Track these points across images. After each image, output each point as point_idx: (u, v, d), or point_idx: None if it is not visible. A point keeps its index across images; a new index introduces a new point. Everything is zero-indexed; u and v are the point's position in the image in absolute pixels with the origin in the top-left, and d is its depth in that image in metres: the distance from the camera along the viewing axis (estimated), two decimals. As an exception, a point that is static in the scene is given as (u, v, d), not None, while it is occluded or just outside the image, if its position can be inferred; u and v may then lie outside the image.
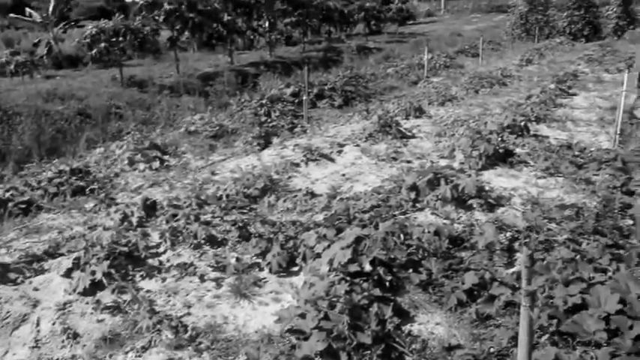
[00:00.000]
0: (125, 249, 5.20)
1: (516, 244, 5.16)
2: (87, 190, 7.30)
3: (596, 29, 32.64)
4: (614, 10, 32.95)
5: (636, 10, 35.48)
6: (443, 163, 7.89)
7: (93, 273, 4.71)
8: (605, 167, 7.32)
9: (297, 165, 8.07)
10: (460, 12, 70.97)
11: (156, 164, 8.34)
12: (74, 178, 7.56)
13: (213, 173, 7.89)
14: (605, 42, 28.10)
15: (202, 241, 5.49)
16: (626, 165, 7.28)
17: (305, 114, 11.06)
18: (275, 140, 9.57)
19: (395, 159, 8.23)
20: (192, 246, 5.45)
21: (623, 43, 27.25)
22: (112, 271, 4.83)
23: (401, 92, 14.65)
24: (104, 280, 4.70)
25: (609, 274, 4.43)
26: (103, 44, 18.16)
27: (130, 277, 4.92)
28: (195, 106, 13.13)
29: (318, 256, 4.84)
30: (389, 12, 40.65)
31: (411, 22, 48.17)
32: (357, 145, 9.00)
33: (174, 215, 5.98)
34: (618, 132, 8.73)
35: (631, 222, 5.65)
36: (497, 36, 33.00)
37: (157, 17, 20.46)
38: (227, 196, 6.60)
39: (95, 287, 4.67)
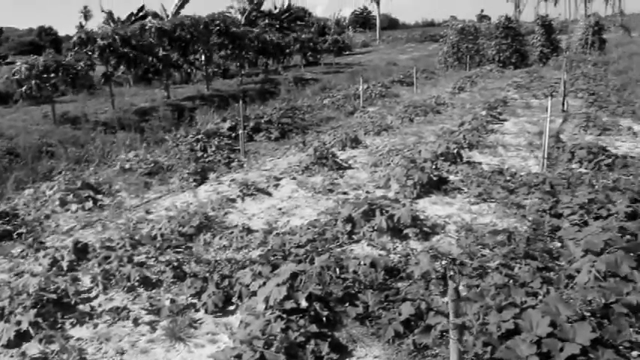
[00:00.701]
0: (54, 296, 5.01)
1: (451, 272, 5.23)
2: (14, 234, 7.02)
3: (524, 57, 33.96)
4: (539, 38, 34.47)
5: (558, 38, 37.25)
6: (379, 193, 8.00)
7: (18, 323, 4.51)
8: (534, 191, 7.53)
9: (234, 200, 8.02)
10: (395, 42, 72.85)
11: (89, 204, 8.11)
12: (0, 222, 7.26)
13: (148, 212, 7.74)
14: (532, 69, 29.25)
15: (136, 284, 5.35)
16: (553, 188, 7.54)
17: (242, 148, 11.02)
18: (211, 176, 9.48)
19: (331, 191, 8.27)
20: (125, 289, 5.30)
21: (548, 70, 28.44)
22: (40, 319, 4.64)
23: (337, 123, 14.80)
24: (31, 330, 4.51)
25: (540, 297, 4.55)
26: (33, 81, 17.67)
27: (59, 326, 4.73)
28: (130, 142, 12.86)
29: (254, 294, 4.79)
30: (325, 43, 41.33)
31: (347, 52, 49.11)
32: (294, 178, 9.03)
33: (107, 257, 5.82)
34: (545, 156, 9.05)
35: (559, 244, 5.83)
36: (431, 65, 33.91)
37: (90, 52, 20.12)
38: (162, 235, 6.47)
39: (21, 338, 4.47)
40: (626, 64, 25.95)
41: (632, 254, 4.96)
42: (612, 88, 18.87)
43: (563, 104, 14.75)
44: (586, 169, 8.95)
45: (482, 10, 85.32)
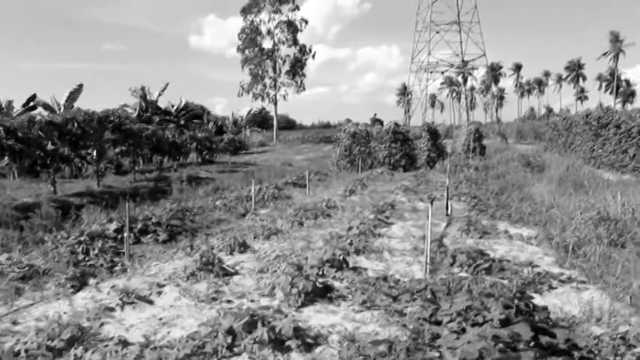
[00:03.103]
0: None
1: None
2: None
3: (413, 160, 35.77)
4: (425, 143, 36.55)
5: (443, 143, 39.77)
6: (264, 301, 7.92)
7: None
8: (416, 298, 7.70)
9: (112, 309, 7.63)
10: (291, 142, 74.97)
11: (-52, 314, 7.48)
12: None
13: (14, 322, 7.19)
14: (419, 172, 30.73)
15: (-11, 409, 4.92)
16: (434, 295, 7.75)
17: (126, 251, 10.66)
18: (91, 281, 9.02)
19: (215, 299, 8.08)
20: (-25, 416, 4.85)
21: (435, 173, 30.04)
22: None
23: (228, 225, 14.70)
24: None
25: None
26: None
27: None
28: (7, 241, 12.13)
29: (122, 417, 4.53)
30: (221, 142, 41.79)
31: (244, 151, 49.83)
32: (178, 285, 8.76)
33: (-41, 379, 5.34)
34: (428, 261, 9.36)
35: (437, 354, 5.95)
36: (325, 166, 34.89)
37: (-30, 144, 19.22)
38: (26, 350, 6.01)
39: None
40: (504, 169, 27.97)
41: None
42: (492, 192, 20.13)
43: (447, 208, 15.46)
44: (466, 273, 9.33)
45: (375, 114, 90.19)
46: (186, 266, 9.55)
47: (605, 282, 8.56)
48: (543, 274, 9.10)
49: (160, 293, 8.40)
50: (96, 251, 10.71)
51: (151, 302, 8.05)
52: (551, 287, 8.61)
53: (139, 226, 12.70)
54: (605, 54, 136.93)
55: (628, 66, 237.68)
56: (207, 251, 10.02)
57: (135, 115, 44.59)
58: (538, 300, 7.81)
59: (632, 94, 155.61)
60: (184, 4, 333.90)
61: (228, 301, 8.02)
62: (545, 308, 7.21)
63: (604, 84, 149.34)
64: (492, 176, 26.35)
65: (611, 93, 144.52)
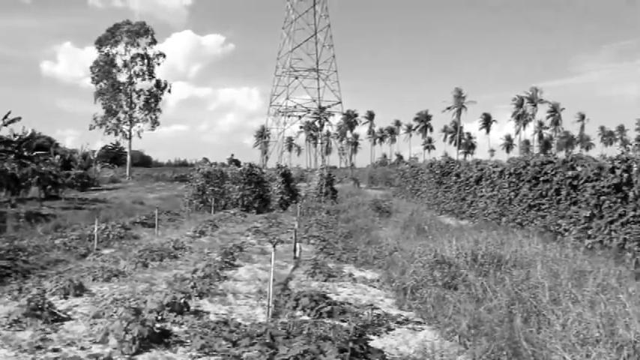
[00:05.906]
0: None
1: None
2: None
3: (266, 202, 35.95)
4: (279, 186, 36.93)
5: (297, 186, 40.53)
6: (95, 349, 7.48)
7: None
8: (256, 342, 7.64)
9: None
10: (145, 179, 72.84)
11: None
12: None
13: None
14: (272, 214, 30.87)
15: None
16: (273, 339, 7.73)
17: (-59, 296, 9.67)
18: None
19: (40, 348, 7.47)
20: None
21: (287, 216, 30.29)
22: None
23: (67, 266, 13.80)
24: None
25: None
26: None
27: None
28: None
29: None
30: (69, 177, 39.62)
31: (93, 188, 47.52)
32: (-1, 334, 8.05)
33: None
34: (271, 305, 9.34)
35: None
36: (177, 206, 34.04)
37: None
38: None
39: None
40: (354, 213, 28.76)
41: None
42: (341, 235, 20.60)
43: (294, 251, 15.58)
44: (308, 316, 9.41)
45: (232, 155, 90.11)
46: (11, 312, 8.78)
47: (439, 322, 9.00)
48: (383, 315, 9.45)
49: (-26, 344, 7.64)
50: None
51: (-42, 356, 7.30)
52: (389, 329, 8.91)
53: (-40, 268, 11.57)
54: (449, 108, 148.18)
55: (469, 120, 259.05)
56: (38, 295, 9.30)
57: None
58: (376, 342, 8.07)
59: (473, 146, 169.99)
60: (37, 27, 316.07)
61: (55, 350, 7.44)
62: (380, 350, 7.45)
63: (449, 135, 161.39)
64: (343, 220, 27.00)
65: (455, 144, 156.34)
